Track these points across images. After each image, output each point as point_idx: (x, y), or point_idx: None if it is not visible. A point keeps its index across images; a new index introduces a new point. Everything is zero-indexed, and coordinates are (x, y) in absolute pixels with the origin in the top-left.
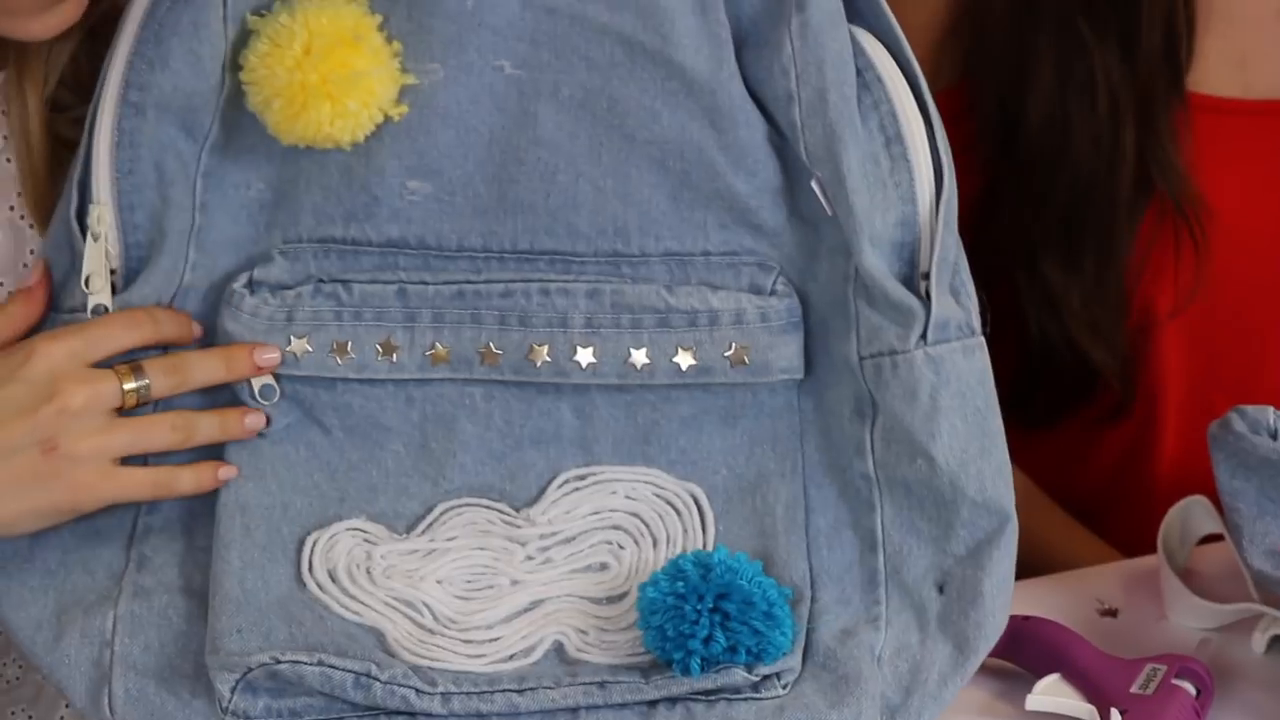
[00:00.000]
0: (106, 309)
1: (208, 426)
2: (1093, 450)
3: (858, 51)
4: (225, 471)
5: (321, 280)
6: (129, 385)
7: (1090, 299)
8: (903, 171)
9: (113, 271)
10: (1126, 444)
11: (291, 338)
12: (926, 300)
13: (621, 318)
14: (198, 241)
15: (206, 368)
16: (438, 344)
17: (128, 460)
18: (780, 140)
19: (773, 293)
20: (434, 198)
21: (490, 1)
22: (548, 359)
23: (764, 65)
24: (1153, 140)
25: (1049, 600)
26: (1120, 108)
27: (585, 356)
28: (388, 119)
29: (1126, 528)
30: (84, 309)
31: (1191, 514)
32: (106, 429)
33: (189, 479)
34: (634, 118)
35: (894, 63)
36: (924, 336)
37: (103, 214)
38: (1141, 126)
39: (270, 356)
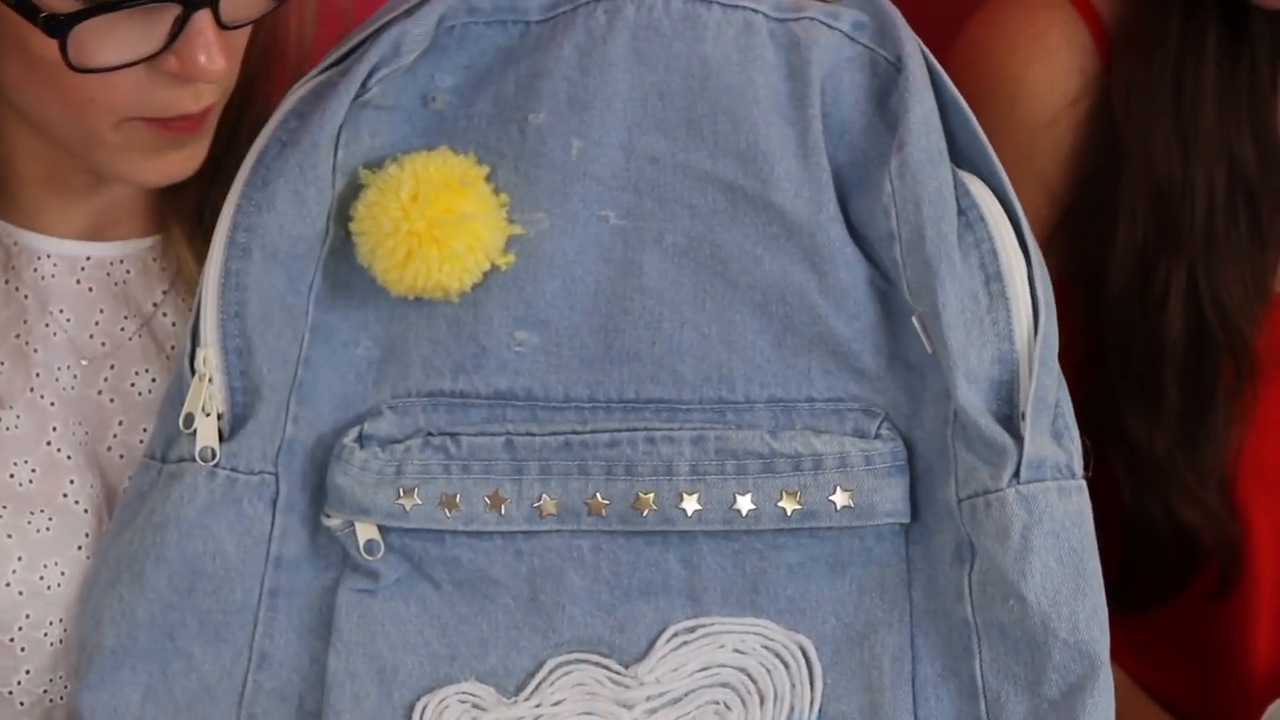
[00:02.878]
0: (214, 452)
1: None
2: (1187, 638)
3: (961, 192)
4: None
5: (430, 434)
6: None
7: (1176, 453)
8: (1000, 309)
9: (220, 415)
10: (1221, 630)
11: (401, 490)
12: (1020, 438)
13: (726, 464)
14: (300, 395)
15: None
16: (545, 496)
17: None
18: (885, 284)
19: (877, 436)
20: (541, 349)
21: (594, 152)
22: (654, 507)
23: (867, 208)
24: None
25: None
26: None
27: (691, 504)
28: (495, 269)
29: None
30: (191, 457)
31: None
32: None
33: None
34: (736, 263)
35: (999, 204)
36: (1017, 475)
37: (209, 355)
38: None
39: None
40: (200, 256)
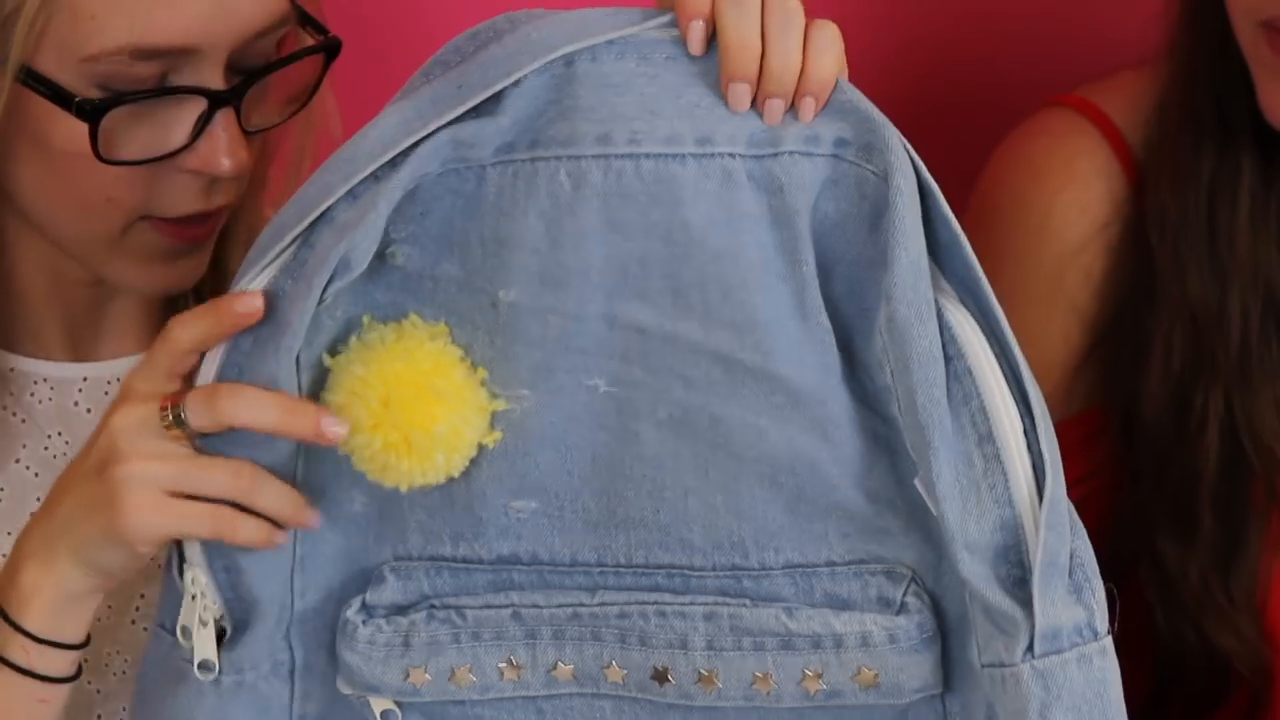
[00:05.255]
0: (213, 665)
1: (272, 491)
2: None
3: (948, 338)
4: (301, 521)
5: (435, 605)
6: (165, 411)
7: (1210, 578)
8: (997, 473)
9: (219, 618)
10: None
11: (409, 670)
12: (1032, 605)
13: (742, 640)
14: (303, 569)
15: (255, 408)
16: (560, 662)
17: None
18: (894, 436)
19: (902, 608)
20: (542, 513)
21: (574, 327)
22: (672, 682)
23: (868, 351)
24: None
25: None
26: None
27: (709, 680)
28: (483, 446)
29: None
30: (190, 662)
31: None
32: (159, 456)
33: (250, 528)
34: (739, 436)
35: (988, 349)
36: (1031, 648)
37: (196, 576)
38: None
39: (337, 431)
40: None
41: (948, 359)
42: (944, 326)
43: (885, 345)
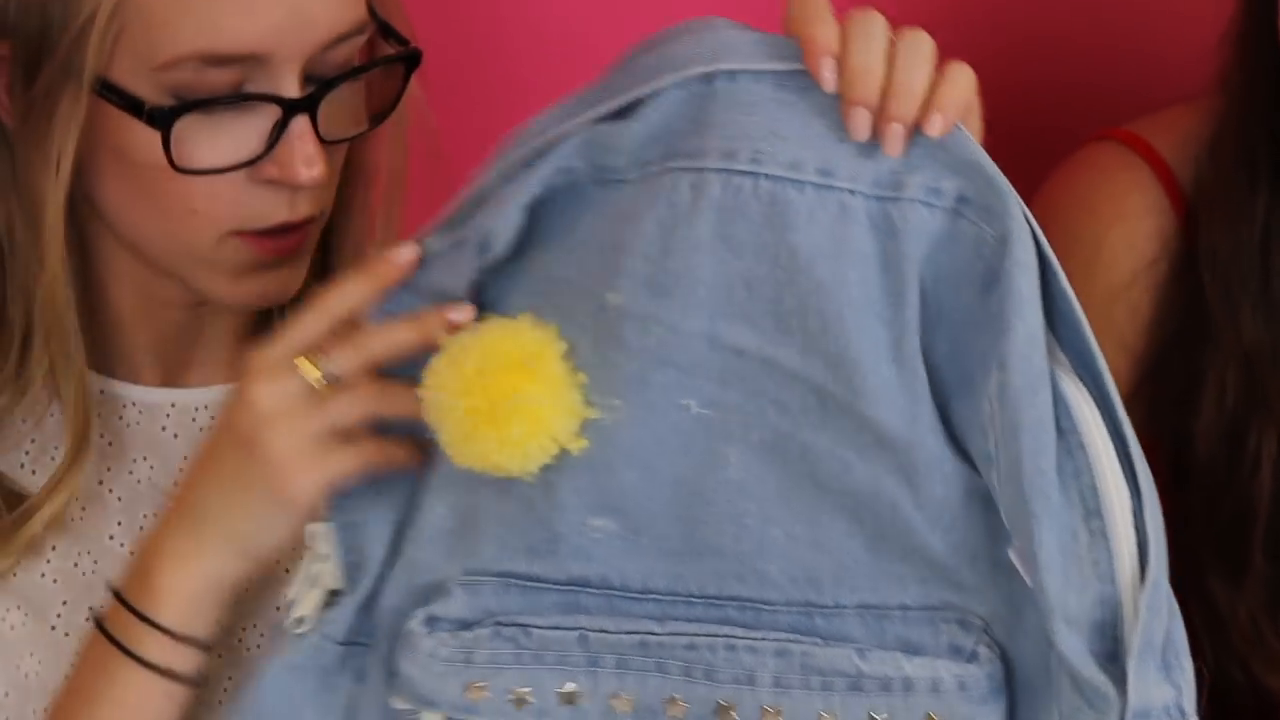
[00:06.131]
0: (310, 620)
1: (397, 391)
2: None
3: (1062, 411)
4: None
5: (500, 622)
6: (313, 375)
7: (1260, 619)
8: (1101, 549)
9: (333, 592)
10: None
11: (469, 684)
12: (1125, 680)
13: (811, 679)
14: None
15: (392, 334)
16: (621, 693)
17: None
18: (986, 493)
19: (973, 657)
20: (618, 535)
21: (674, 340)
22: (734, 718)
23: (967, 417)
24: None
25: None
26: None
27: (773, 718)
28: (566, 452)
29: None
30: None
31: None
32: (302, 415)
33: (396, 447)
34: (825, 467)
35: (1102, 425)
36: None
37: (323, 535)
38: None
39: (462, 316)
40: None
41: (1062, 432)
42: (1059, 399)
43: (993, 412)
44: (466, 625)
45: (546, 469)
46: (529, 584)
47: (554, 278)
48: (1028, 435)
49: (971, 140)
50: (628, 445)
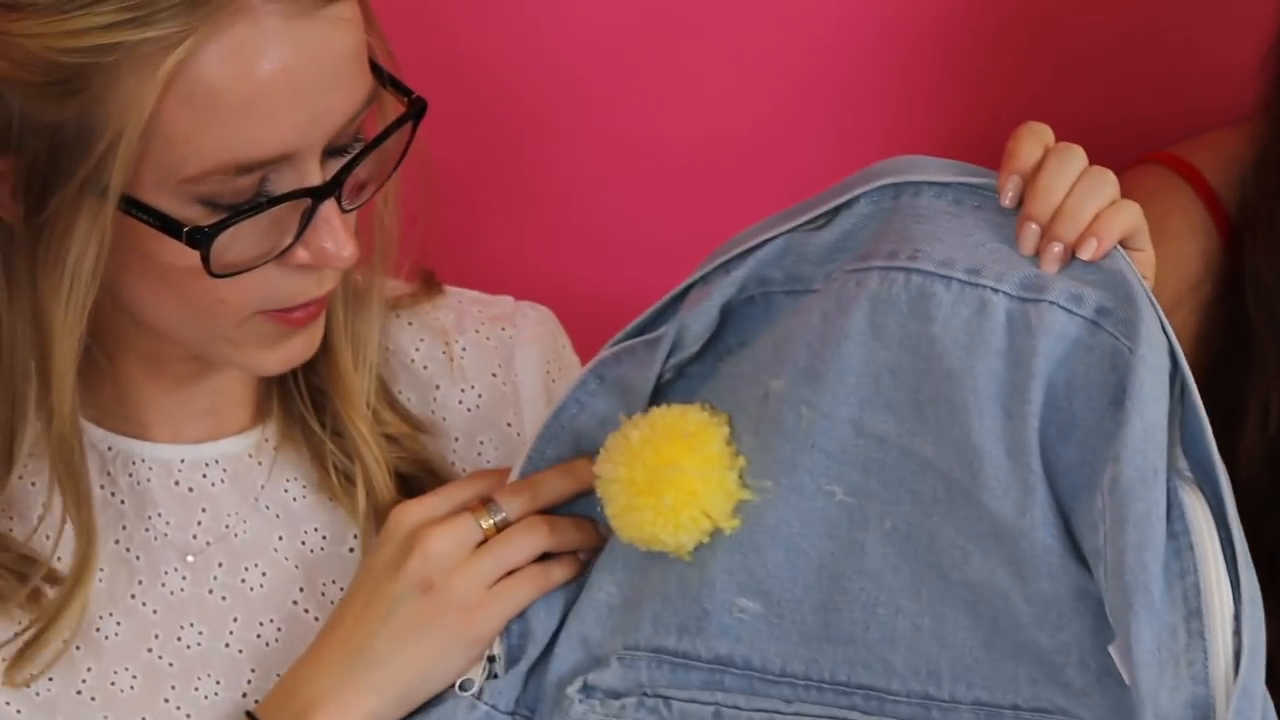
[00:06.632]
0: (473, 684)
1: (564, 525)
2: None
3: (1176, 515)
4: (594, 538)
5: (646, 693)
6: (485, 522)
7: None
8: (1198, 650)
9: (491, 659)
10: None
11: None
12: None
13: None
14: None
15: (557, 487)
16: None
17: None
18: (1099, 596)
19: None
20: (763, 619)
21: (823, 424)
22: None
23: (1083, 517)
24: None
25: None
26: None
27: None
28: (720, 531)
29: None
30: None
31: None
32: (474, 558)
33: (562, 568)
34: (948, 557)
35: (1215, 534)
36: None
37: None
38: None
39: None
40: (297, 441)
41: (1173, 534)
42: (1175, 503)
43: (1105, 506)
44: (616, 695)
45: (701, 548)
46: (678, 660)
47: (733, 373)
48: (1134, 528)
49: (1123, 258)
50: (775, 526)
